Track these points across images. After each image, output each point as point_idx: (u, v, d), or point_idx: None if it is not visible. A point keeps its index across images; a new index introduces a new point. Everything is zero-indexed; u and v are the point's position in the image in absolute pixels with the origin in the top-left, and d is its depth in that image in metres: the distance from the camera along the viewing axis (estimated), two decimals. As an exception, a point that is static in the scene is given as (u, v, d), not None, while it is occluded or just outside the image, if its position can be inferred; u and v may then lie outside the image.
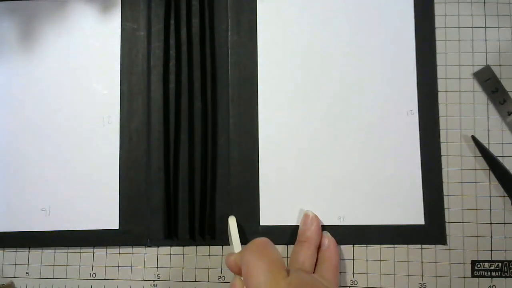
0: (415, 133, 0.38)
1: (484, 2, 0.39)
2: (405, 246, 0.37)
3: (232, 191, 0.38)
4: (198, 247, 0.38)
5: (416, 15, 0.39)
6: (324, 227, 0.37)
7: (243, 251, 0.30)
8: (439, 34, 0.39)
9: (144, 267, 0.38)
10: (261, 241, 0.30)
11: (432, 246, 0.37)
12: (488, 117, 0.38)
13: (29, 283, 0.39)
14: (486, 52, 0.38)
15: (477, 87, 0.38)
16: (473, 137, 0.37)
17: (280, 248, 0.37)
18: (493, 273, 0.36)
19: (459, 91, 0.38)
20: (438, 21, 0.39)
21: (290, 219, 0.38)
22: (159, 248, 0.38)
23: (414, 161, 0.37)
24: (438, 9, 0.39)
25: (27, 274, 0.39)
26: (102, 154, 0.39)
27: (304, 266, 0.33)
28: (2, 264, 0.39)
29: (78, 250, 0.39)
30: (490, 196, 0.37)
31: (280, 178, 0.38)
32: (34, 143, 0.40)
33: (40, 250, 0.39)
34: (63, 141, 0.39)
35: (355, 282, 0.37)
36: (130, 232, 0.38)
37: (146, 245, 0.38)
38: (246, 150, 0.38)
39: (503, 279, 0.36)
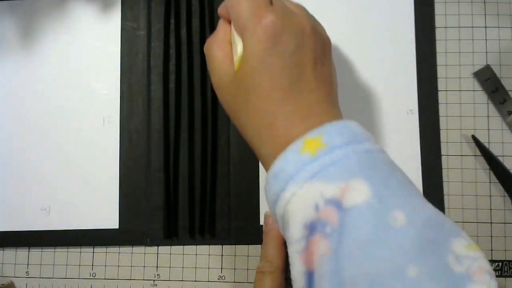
0: (415, 132, 0.38)
1: (484, 2, 0.39)
2: (405, 245, 0.37)
3: (232, 191, 0.38)
4: (198, 246, 0.38)
5: (416, 15, 0.39)
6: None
7: None
8: (439, 33, 0.39)
9: (144, 266, 0.38)
10: None
11: (432, 245, 0.37)
12: (488, 116, 0.38)
13: (29, 282, 0.39)
14: (486, 52, 0.38)
15: (477, 86, 0.38)
16: (473, 137, 0.37)
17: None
18: (493, 273, 0.36)
19: (459, 90, 0.38)
20: (438, 21, 0.39)
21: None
22: (159, 247, 0.38)
23: (414, 161, 0.37)
24: (438, 8, 0.39)
25: (27, 274, 0.39)
26: (102, 153, 0.39)
27: None
28: (2, 263, 0.39)
29: (78, 250, 0.39)
30: (490, 196, 0.37)
31: (280, 177, 0.38)
32: (34, 143, 0.40)
33: (40, 250, 0.39)
34: (63, 140, 0.39)
35: (355, 282, 0.37)
36: (130, 231, 0.38)
37: (146, 244, 0.38)
38: (246, 150, 0.38)
39: (503, 279, 0.36)
